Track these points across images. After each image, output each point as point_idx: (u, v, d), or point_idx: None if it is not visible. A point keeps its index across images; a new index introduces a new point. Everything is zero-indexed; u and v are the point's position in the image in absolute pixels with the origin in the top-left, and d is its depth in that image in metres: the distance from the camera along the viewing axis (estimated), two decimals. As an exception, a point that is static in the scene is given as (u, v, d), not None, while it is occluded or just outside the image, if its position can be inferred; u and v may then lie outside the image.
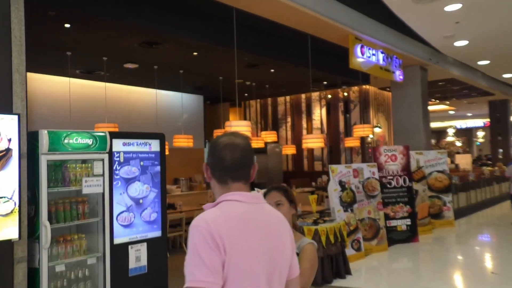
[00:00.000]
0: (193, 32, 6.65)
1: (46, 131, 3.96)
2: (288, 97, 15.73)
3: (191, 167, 12.26)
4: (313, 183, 13.13)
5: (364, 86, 14.51)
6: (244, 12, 6.11)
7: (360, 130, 9.68)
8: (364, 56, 8.45)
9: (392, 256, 7.56)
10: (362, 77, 10.80)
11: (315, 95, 15.20)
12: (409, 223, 8.33)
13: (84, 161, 4.26)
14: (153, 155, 4.78)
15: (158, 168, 4.83)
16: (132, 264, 4.52)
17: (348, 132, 14.22)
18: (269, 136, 10.72)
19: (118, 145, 4.48)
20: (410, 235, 8.30)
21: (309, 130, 15.30)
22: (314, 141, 8.17)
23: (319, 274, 5.63)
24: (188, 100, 12.14)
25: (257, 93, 11.80)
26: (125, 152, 4.54)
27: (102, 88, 8.81)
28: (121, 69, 8.42)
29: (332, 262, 5.92)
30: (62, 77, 8.66)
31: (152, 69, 8.38)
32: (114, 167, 4.44)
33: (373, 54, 8.78)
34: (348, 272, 6.10)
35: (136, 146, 4.63)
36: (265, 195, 2.48)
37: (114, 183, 4.43)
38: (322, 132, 15.08)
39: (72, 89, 8.78)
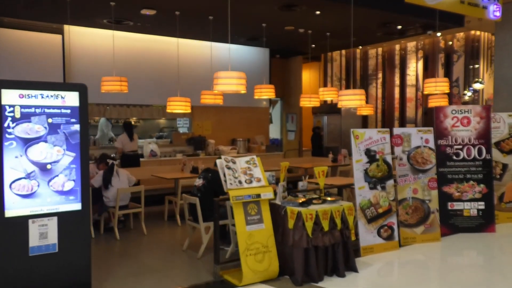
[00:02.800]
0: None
1: None
2: (380, 49, 13.63)
3: (252, 127, 11.27)
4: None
5: (472, 32, 11.78)
6: None
7: (431, 86, 7.58)
8: (431, -14, 6.40)
9: (446, 247, 5.77)
10: (450, 18, 8.51)
11: (411, 45, 12.88)
12: (482, 206, 6.32)
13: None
14: (68, 111, 3.90)
15: (76, 127, 3.94)
16: (34, 241, 3.78)
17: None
18: (328, 94, 9.10)
19: (11, 96, 3.68)
20: (483, 223, 6.32)
21: (402, 87, 13.14)
22: (351, 99, 6.50)
23: (300, 270, 4.32)
24: (244, 52, 11.01)
25: (320, 43, 10.14)
26: (22, 106, 3.72)
27: (118, 38, 8.21)
28: (139, 17, 7.63)
29: (327, 255, 4.53)
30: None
31: (173, 15, 7.43)
32: (6, 124, 3.66)
33: (447, -17, 6.63)
34: (352, 268, 4.65)
35: (41, 98, 3.79)
36: None
37: (6, 143, 3.66)
38: (417, 90, 12.81)
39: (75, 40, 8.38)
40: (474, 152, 6.38)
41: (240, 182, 4.47)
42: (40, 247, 3.81)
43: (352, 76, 13.88)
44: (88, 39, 9.00)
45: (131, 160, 8.50)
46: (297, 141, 12.44)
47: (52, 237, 3.86)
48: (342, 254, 4.61)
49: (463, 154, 6.37)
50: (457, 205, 6.35)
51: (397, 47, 13.17)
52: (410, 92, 13.03)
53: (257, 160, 4.72)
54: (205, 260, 5.18)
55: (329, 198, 4.80)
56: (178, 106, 7.26)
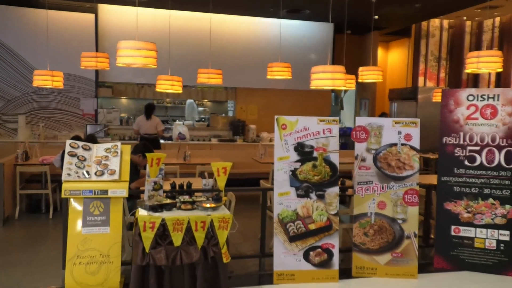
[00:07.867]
0: None
1: None
2: (497, 19, 10.85)
3: (308, 113, 9.93)
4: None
5: None
6: None
7: (473, 62, 5.39)
8: None
9: (425, 289, 4.08)
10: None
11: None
12: (505, 237, 4.34)
13: None
14: None
15: None
16: None
17: None
18: (368, 75, 7.34)
19: None
20: (504, 261, 4.34)
21: (521, 69, 10.24)
22: (320, 77, 4.92)
23: (130, 291, 3.39)
24: (301, 28, 9.74)
25: (381, 14, 8.31)
26: None
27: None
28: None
29: (184, 279, 3.47)
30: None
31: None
32: None
33: None
34: (217, 301, 3.50)
35: None
36: None
37: None
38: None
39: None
40: (498, 157, 4.36)
41: (87, 173, 3.68)
42: None
43: (456, 55, 11.33)
44: (120, 17, 8.92)
45: (149, 142, 8.18)
46: (369, 131, 10.68)
47: None
48: (206, 280, 3.49)
49: (481, 158, 4.41)
50: (465, 231, 4.45)
51: (518, 15, 10.29)
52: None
53: (122, 148, 3.85)
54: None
55: (207, 205, 3.69)
56: (165, 85, 6.60)
